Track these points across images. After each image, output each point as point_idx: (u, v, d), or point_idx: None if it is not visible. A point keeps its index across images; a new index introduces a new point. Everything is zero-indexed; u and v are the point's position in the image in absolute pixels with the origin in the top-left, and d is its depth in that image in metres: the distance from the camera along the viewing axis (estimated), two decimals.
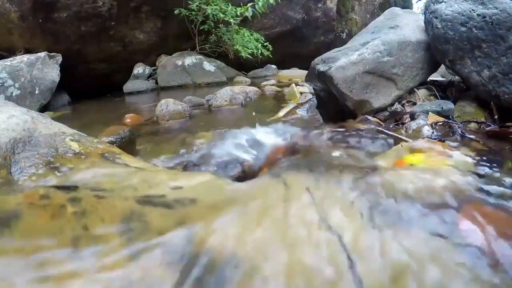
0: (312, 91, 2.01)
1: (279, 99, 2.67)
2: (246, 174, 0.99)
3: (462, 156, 0.95)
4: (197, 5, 4.19)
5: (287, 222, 0.60)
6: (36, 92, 3.19)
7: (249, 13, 4.34)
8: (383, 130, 1.27)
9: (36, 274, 0.44)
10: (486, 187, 0.72)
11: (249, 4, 4.35)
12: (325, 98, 1.62)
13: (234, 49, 4.60)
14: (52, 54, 3.56)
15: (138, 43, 4.50)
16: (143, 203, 0.63)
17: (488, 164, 0.90)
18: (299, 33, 5.82)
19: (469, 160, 0.93)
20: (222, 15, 4.26)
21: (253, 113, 2.23)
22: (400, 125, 1.35)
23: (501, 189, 0.72)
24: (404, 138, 1.17)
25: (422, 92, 1.55)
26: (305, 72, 1.72)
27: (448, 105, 1.35)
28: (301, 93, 2.55)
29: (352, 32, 6.53)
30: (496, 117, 1.25)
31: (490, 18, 1.21)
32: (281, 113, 2.04)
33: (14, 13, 3.76)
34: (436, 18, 1.38)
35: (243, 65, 4.91)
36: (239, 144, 1.19)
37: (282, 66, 5.06)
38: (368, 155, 1.05)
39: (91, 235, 0.51)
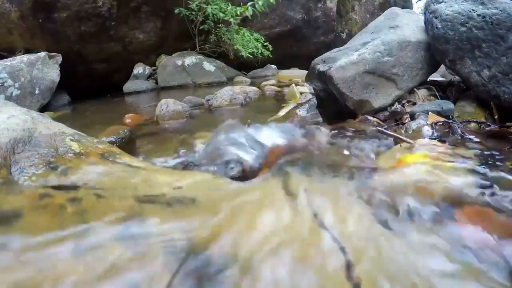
0: (312, 91, 2.01)
1: (279, 99, 2.66)
2: (246, 174, 0.99)
3: (461, 156, 0.95)
4: (197, 5, 4.18)
5: (287, 220, 0.60)
6: (36, 92, 3.19)
7: (249, 12, 4.34)
8: (383, 130, 1.27)
9: (36, 272, 0.44)
10: (485, 187, 0.72)
11: (249, 3, 4.35)
12: (325, 98, 1.62)
13: (235, 49, 4.59)
14: (52, 54, 3.56)
15: (138, 43, 4.49)
16: (143, 203, 0.63)
17: (488, 164, 0.90)
18: (299, 33, 5.82)
19: (469, 160, 0.93)
20: (222, 15, 4.26)
21: (253, 113, 2.23)
22: (400, 125, 1.35)
23: (501, 189, 0.72)
24: (404, 138, 1.17)
25: (422, 92, 1.55)
26: (305, 72, 1.72)
27: (448, 105, 1.35)
28: (301, 93, 2.55)
29: (352, 32, 6.53)
30: (496, 117, 1.25)
31: (490, 18, 1.21)
32: (281, 113, 2.04)
33: (14, 13, 3.76)
34: (436, 18, 1.38)
35: (243, 65, 4.91)
36: (239, 144, 1.19)
37: (282, 66, 5.05)
38: (368, 155, 1.05)
39: (91, 234, 0.51)
